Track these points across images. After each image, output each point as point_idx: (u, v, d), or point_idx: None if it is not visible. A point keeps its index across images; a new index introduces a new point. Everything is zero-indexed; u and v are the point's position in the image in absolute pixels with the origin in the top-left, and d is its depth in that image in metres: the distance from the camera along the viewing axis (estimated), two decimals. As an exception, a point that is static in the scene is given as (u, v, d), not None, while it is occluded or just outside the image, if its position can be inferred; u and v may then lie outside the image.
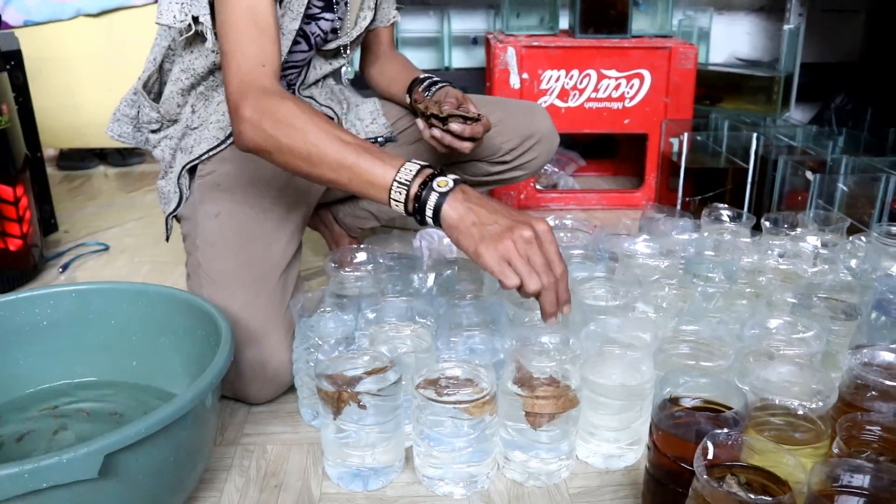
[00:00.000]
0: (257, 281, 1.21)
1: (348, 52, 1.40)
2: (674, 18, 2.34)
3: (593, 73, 2.11)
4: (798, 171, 1.74)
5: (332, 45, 1.36)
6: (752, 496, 0.73)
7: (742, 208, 1.83)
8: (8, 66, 1.69)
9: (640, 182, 2.28)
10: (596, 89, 2.12)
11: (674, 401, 0.90)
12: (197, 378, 0.87)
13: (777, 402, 0.89)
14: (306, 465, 1.07)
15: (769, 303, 1.21)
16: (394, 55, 1.56)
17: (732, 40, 2.74)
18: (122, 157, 2.73)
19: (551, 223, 1.61)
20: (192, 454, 0.91)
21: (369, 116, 1.49)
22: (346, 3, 1.34)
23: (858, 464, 0.75)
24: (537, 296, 0.98)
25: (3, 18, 2.19)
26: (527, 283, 0.96)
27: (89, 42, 2.34)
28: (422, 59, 2.60)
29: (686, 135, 2.01)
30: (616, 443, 1.04)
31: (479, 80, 2.39)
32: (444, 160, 1.49)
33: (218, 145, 1.30)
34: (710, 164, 2.05)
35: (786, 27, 2.35)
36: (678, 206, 2.00)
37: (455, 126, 1.26)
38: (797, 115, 2.68)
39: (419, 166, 1.01)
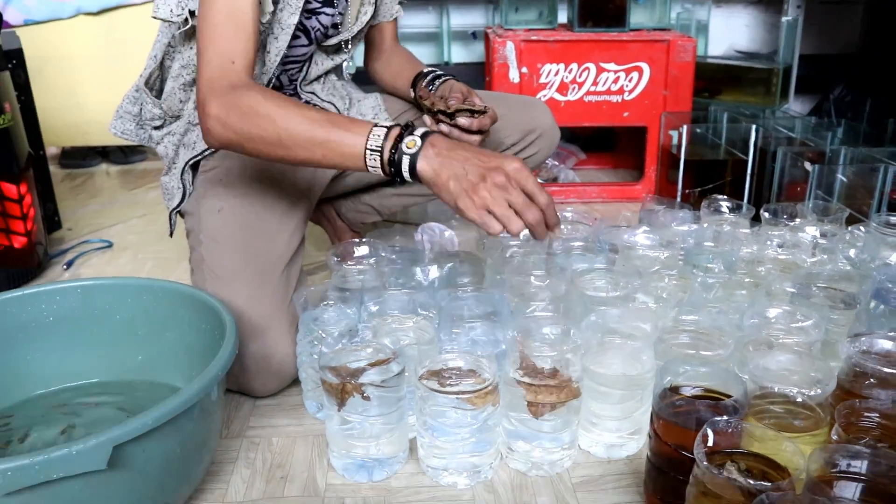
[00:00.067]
0: (261, 275, 1.22)
1: (349, 47, 1.40)
2: (672, 11, 2.34)
3: (592, 66, 2.11)
4: (797, 162, 1.75)
5: (333, 41, 1.36)
6: (752, 482, 0.73)
7: (742, 200, 1.84)
8: (10, 65, 1.70)
9: (640, 175, 2.28)
10: (595, 83, 2.13)
11: (674, 390, 0.91)
12: (202, 372, 0.88)
13: (776, 390, 0.90)
14: (311, 456, 1.08)
15: (768, 292, 1.22)
16: (398, 50, 1.56)
17: (731, 32, 2.75)
18: (123, 154, 2.74)
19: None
20: (198, 446, 0.92)
21: (371, 112, 1.49)
22: (346, -1, 1.35)
23: (856, 450, 0.77)
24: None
25: (4, 18, 2.19)
26: (509, 228, 0.99)
27: (90, 40, 2.35)
28: (421, 55, 2.58)
29: (685, 127, 2.01)
30: (618, 432, 1.05)
31: (479, 74, 2.40)
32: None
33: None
34: (710, 157, 2.06)
35: (784, 19, 2.35)
36: (678, 199, 2.01)
37: (463, 120, 1.27)
38: (796, 106, 2.68)
39: (386, 129, 1.03)
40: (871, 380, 0.94)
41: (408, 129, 1.04)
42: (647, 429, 0.93)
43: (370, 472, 1.02)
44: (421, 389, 0.97)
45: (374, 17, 1.47)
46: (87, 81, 2.38)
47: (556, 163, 2.43)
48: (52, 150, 2.69)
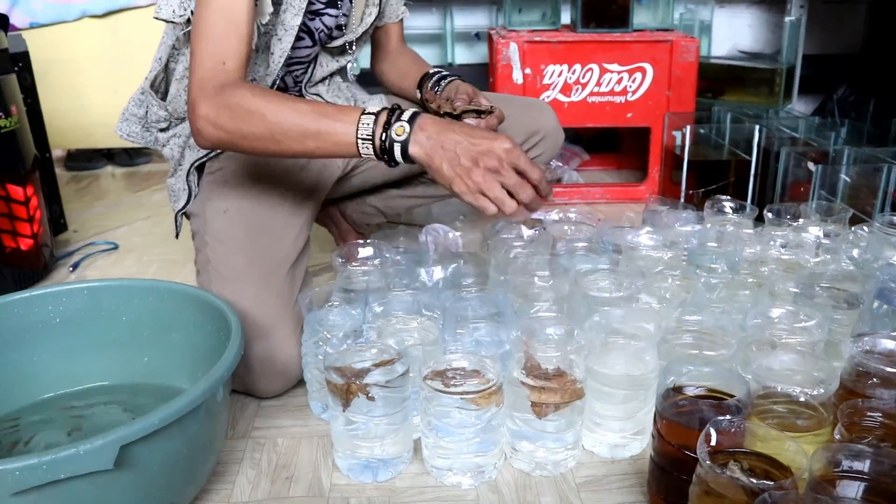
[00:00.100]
0: (266, 276, 1.23)
1: (353, 48, 1.41)
2: (675, 12, 2.35)
3: (596, 67, 2.12)
4: (801, 162, 1.75)
5: (337, 42, 1.36)
6: (755, 481, 0.74)
7: (745, 200, 1.84)
8: (16, 68, 1.71)
9: (643, 175, 2.29)
10: (598, 83, 2.13)
11: (677, 390, 0.92)
12: (208, 372, 0.88)
13: (779, 389, 0.90)
14: (316, 457, 1.09)
15: (772, 293, 1.22)
16: (404, 51, 1.56)
17: (734, 33, 2.75)
18: (129, 156, 2.75)
19: (556, 217, 1.63)
20: (204, 446, 0.93)
21: None
22: (350, 0, 1.35)
23: (859, 449, 0.77)
24: None
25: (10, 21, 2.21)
26: (503, 210, 1.04)
27: (95, 43, 2.36)
28: (425, 56, 2.56)
29: (689, 128, 2.02)
30: (621, 432, 1.05)
31: (483, 75, 2.40)
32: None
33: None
34: (713, 157, 2.06)
35: (787, 19, 2.35)
36: (682, 199, 2.01)
37: (469, 121, 1.27)
38: (800, 106, 2.68)
39: (374, 116, 1.05)
40: (874, 379, 0.94)
41: (395, 113, 1.06)
42: (651, 429, 0.94)
43: (375, 473, 1.03)
44: (425, 390, 0.98)
45: (379, 18, 1.47)
46: (92, 84, 2.39)
47: (560, 164, 2.43)
48: (57, 152, 2.70)
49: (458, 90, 1.36)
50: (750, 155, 1.91)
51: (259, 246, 1.25)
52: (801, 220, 1.48)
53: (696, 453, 0.77)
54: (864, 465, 0.76)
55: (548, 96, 2.13)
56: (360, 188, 1.61)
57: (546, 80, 2.13)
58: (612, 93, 2.14)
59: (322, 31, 1.32)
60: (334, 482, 1.03)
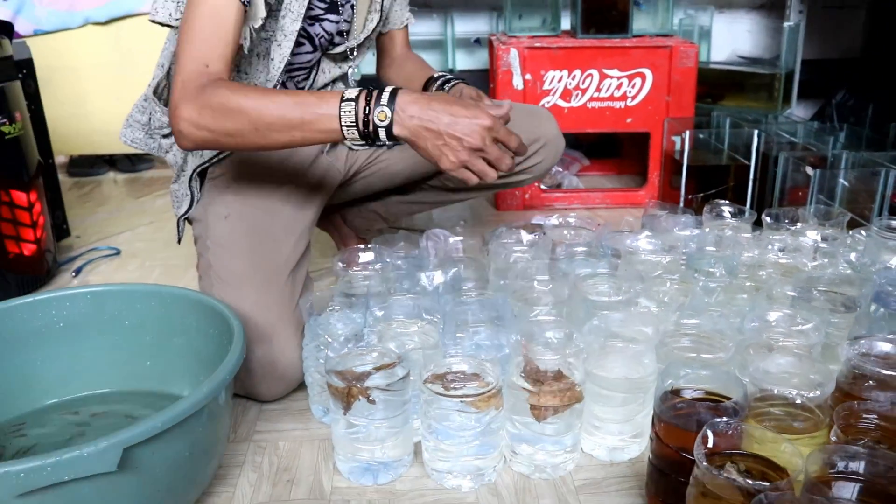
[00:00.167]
0: (266, 280, 1.24)
1: (355, 54, 1.41)
2: (674, 17, 2.36)
3: (595, 72, 2.13)
4: (799, 166, 1.76)
5: (339, 49, 1.37)
6: (751, 482, 0.75)
7: (744, 205, 1.84)
8: (20, 75, 1.72)
9: (643, 180, 2.29)
10: (598, 89, 2.14)
11: (675, 392, 0.93)
12: (210, 376, 0.89)
13: (776, 392, 0.91)
14: (317, 460, 1.10)
15: (769, 296, 1.23)
16: (410, 57, 1.57)
17: (734, 38, 2.76)
18: (131, 162, 2.76)
19: (555, 222, 1.64)
20: (206, 449, 0.94)
21: None
22: (352, 6, 1.36)
23: (854, 450, 0.78)
24: None
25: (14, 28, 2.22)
26: (485, 179, 1.12)
27: (98, 50, 2.37)
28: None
29: (688, 133, 2.02)
30: (620, 435, 1.06)
31: (483, 81, 2.41)
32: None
33: (227, 149, 1.32)
34: (713, 162, 2.06)
35: (786, 24, 2.36)
36: (681, 204, 2.02)
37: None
38: (799, 111, 2.69)
39: (354, 101, 1.07)
40: (870, 382, 0.95)
41: (372, 95, 1.08)
42: (649, 431, 0.95)
43: (375, 476, 1.03)
44: (425, 393, 0.99)
45: (384, 24, 1.48)
46: (95, 91, 2.41)
47: (560, 169, 2.44)
48: (60, 158, 2.71)
49: (461, 94, 1.37)
50: (749, 160, 1.92)
51: (260, 250, 1.26)
52: (799, 225, 1.49)
53: (693, 455, 0.78)
54: (859, 467, 0.77)
55: (548, 102, 2.14)
56: (362, 194, 1.62)
57: (546, 86, 2.14)
58: (611, 98, 2.15)
59: (322, 36, 1.32)
60: (335, 485, 1.04)
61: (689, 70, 2.12)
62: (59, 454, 0.74)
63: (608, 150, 2.66)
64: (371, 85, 1.14)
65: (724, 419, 0.83)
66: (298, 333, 1.22)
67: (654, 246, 1.41)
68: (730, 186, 1.98)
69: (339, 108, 1.08)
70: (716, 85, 2.43)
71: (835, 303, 1.21)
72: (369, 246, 1.41)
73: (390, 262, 1.37)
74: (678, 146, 2.08)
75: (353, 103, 1.08)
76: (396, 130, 1.09)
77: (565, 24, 2.28)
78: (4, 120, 1.58)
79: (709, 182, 2.01)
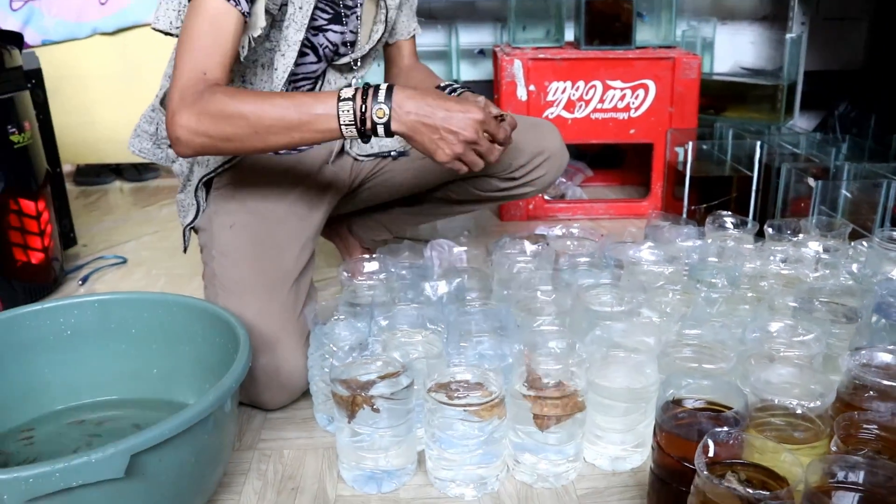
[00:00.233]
0: (270, 289, 1.25)
1: (359, 65, 1.42)
2: (677, 29, 2.37)
3: (599, 84, 2.14)
4: (801, 178, 1.77)
5: (345, 59, 1.38)
6: (751, 491, 0.75)
7: (747, 216, 1.86)
8: (30, 85, 1.74)
9: (646, 191, 2.30)
10: (602, 100, 2.15)
11: (677, 402, 0.93)
12: (216, 384, 0.90)
13: (777, 402, 0.92)
14: (322, 468, 1.10)
15: (771, 307, 1.24)
16: (417, 67, 1.57)
17: (736, 50, 2.77)
18: (137, 172, 2.78)
19: (559, 232, 1.65)
20: (212, 457, 0.95)
21: None
22: (358, 17, 1.37)
23: (854, 460, 0.78)
24: None
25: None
26: (474, 169, 1.18)
27: (105, 60, 2.39)
28: (430, 73, 2.63)
29: (691, 144, 2.03)
30: (622, 445, 1.07)
31: (487, 92, 2.41)
32: (457, 174, 1.52)
33: (232, 158, 1.34)
34: (715, 173, 2.07)
35: (788, 36, 2.37)
36: (684, 215, 2.03)
37: None
38: (801, 122, 2.70)
39: (351, 101, 1.10)
40: (871, 392, 0.95)
41: (368, 93, 1.11)
42: (651, 441, 0.95)
43: (379, 484, 1.04)
44: (429, 402, 0.99)
45: (390, 35, 1.49)
46: (102, 100, 2.42)
47: (564, 180, 2.45)
48: (66, 167, 2.73)
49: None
50: (752, 171, 1.93)
51: (264, 259, 1.27)
52: (801, 236, 1.50)
53: (694, 465, 0.79)
54: (859, 477, 0.77)
55: (551, 113, 2.16)
56: (367, 204, 1.63)
57: (550, 97, 2.15)
58: (615, 109, 2.16)
59: (327, 47, 1.34)
60: (339, 493, 1.05)
61: (692, 81, 2.13)
62: (67, 460, 0.75)
63: (611, 160, 2.67)
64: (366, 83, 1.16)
65: (725, 429, 0.83)
66: (302, 342, 1.23)
67: (656, 257, 1.42)
68: (732, 197, 1.99)
69: (337, 108, 1.10)
70: (718, 96, 2.44)
71: (836, 314, 1.22)
72: (374, 256, 1.42)
73: (395, 272, 1.38)
74: (681, 157, 2.09)
75: (350, 102, 1.10)
76: (394, 126, 1.11)
77: (569, 35, 2.30)
78: (14, 129, 1.60)
79: (712, 193, 2.02)
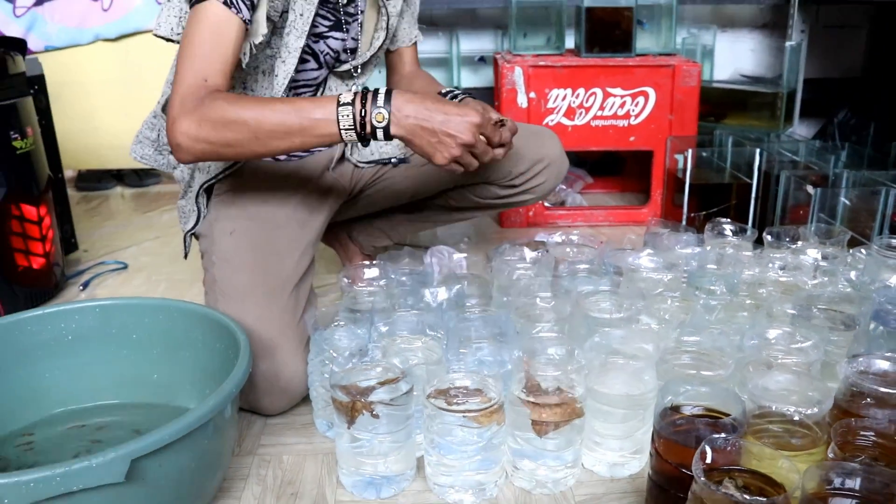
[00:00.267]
0: (270, 295, 1.25)
1: (359, 72, 1.43)
2: (677, 37, 2.38)
3: (599, 91, 2.15)
4: (801, 185, 1.78)
5: (345, 66, 1.39)
6: (748, 497, 0.75)
7: (746, 223, 1.86)
8: (32, 91, 1.75)
9: (646, 198, 2.31)
10: (602, 107, 2.16)
11: (675, 409, 0.94)
12: (216, 390, 0.91)
13: (774, 409, 0.92)
14: (321, 474, 1.11)
15: (769, 314, 1.24)
16: (419, 74, 1.58)
17: (736, 57, 2.78)
18: (138, 177, 2.79)
19: (558, 239, 1.66)
20: (212, 462, 0.95)
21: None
22: (360, 24, 1.38)
23: (851, 467, 0.78)
24: None
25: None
26: (469, 169, 1.20)
27: (107, 66, 2.40)
28: (431, 79, 2.64)
29: (691, 151, 2.04)
30: (620, 451, 1.07)
31: (488, 99, 2.42)
32: (458, 181, 1.53)
33: (233, 164, 1.34)
34: (715, 180, 2.08)
35: (788, 44, 2.38)
36: (683, 222, 2.03)
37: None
38: (801, 130, 2.71)
39: (350, 106, 1.11)
40: (868, 399, 0.95)
41: (367, 98, 1.12)
42: (649, 447, 0.96)
43: (378, 490, 1.04)
44: (428, 408, 1.00)
45: (392, 42, 1.50)
46: (103, 106, 2.43)
47: (564, 187, 2.46)
48: (68, 172, 2.74)
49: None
50: (751, 178, 1.94)
51: (264, 265, 1.28)
52: (799, 243, 1.50)
53: (692, 471, 0.79)
54: (855, 483, 0.78)
55: (552, 120, 2.16)
56: (367, 211, 1.64)
57: (550, 104, 2.16)
58: (615, 116, 2.17)
59: (328, 54, 1.34)
60: (338, 498, 1.05)
61: (692, 89, 2.14)
62: (68, 464, 0.75)
63: (611, 167, 2.67)
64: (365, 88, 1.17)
65: (723, 435, 0.84)
66: (301, 348, 1.23)
67: (655, 264, 1.43)
68: (732, 205, 2.00)
69: (337, 113, 1.11)
70: (718, 104, 2.45)
71: (834, 321, 1.22)
72: (374, 262, 1.43)
73: (395, 278, 1.38)
74: (681, 164, 2.10)
75: (349, 107, 1.11)
76: (394, 130, 1.13)
77: (569, 42, 2.31)
78: (17, 135, 1.60)
79: (711, 200, 2.02)
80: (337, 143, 1.16)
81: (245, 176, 1.36)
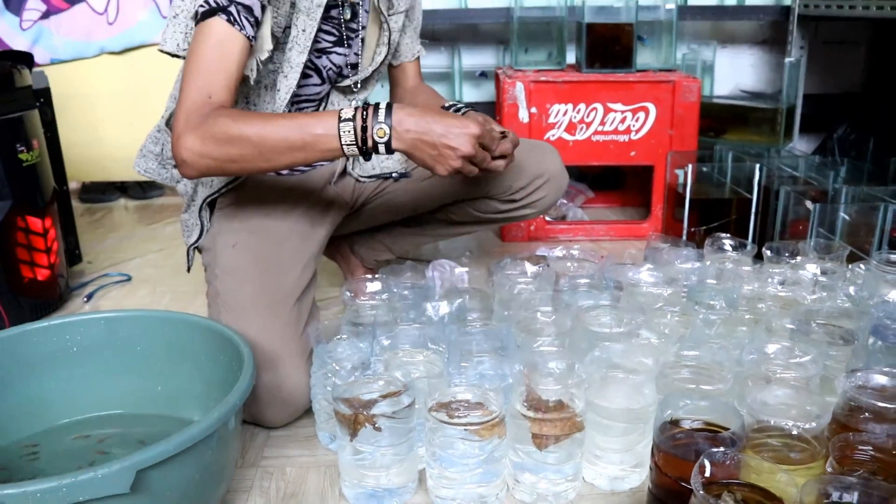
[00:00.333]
0: (272, 307, 1.26)
1: (361, 86, 1.44)
2: (678, 52, 2.40)
3: (600, 106, 2.16)
4: (800, 200, 1.79)
5: (348, 81, 1.41)
6: (747, 511, 0.76)
7: (746, 238, 1.87)
8: (38, 103, 1.76)
9: (646, 213, 2.32)
10: (602, 122, 2.17)
11: (675, 423, 0.94)
12: (220, 402, 0.92)
13: (773, 423, 0.93)
14: (324, 486, 1.11)
15: (768, 329, 1.25)
16: (422, 88, 1.59)
17: (736, 73, 2.80)
18: (142, 189, 2.80)
19: (559, 254, 1.67)
20: (216, 474, 0.96)
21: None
22: (362, 40, 1.39)
23: (849, 481, 0.79)
24: None
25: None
26: (468, 175, 1.22)
27: (112, 79, 2.43)
28: (433, 94, 2.66)
29: (691, 166, 2.05)
30: (621, 465, 1.07)
31: (489, 114, 2.42)
32: (459, 195, 1.54)
33: (236, 178, 1.36)
34: (715, 195, 2.09)
35: (787, 60, 2.39)
36: (684, 237, 2.04)
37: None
38: (801, 145, 2.72)
39: (351, 122, 1.13)
40: (867, 414, 0.96)
41: (368, 113, 1.13)
42: (649, 461, 0.96)
43: (381, 502, 1.05)
44: (430, 421, 1.01)
45: (395, 57, 1.52)
46: (108, 119, 2.46)
47: (565, 201, 2.47)
48: (72, 184, 2.75)
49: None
50: (751, 193, 1.95)
51: (266, 278, 1.29)
52: (799, 258, 1.51)
53: (691, 484, 0.80)
54: (853, 498, 0.78)
55: (553, 135, 2.18)
56: (368, 225, 1.65)
57: (551, 119, 2.17)
58: (615, 132, 2.19)
59: (330, 69, 1.36)
60: (340, 511, 1.06)
61: (692, 104, 2.16)
62: (74, 475, 0.76)
63: (612, 182, 2.69)
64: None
65: (722, 449, 0.85)
66: (304, 360, 1.24)
67: (655, 278, 1.44)
68: (732, 220, 2.01)
69: (338, 128, 1.13)
70: (718, 119, 2.46)
71: (833, 336, 1.23)
72: (376, 276, 1.43)
73: (397, 292, 1.39)
74: (681, 179, 2.11)
75: (351, 122, 1.13)
76: (395, 144, 1.15)
77: (570, 58, 2.32)
78: (23, 147, 1.62)
79: (711, 215, 2.03)
80: (339, 157, 1.17)
81: (248, 190, 1.37)
